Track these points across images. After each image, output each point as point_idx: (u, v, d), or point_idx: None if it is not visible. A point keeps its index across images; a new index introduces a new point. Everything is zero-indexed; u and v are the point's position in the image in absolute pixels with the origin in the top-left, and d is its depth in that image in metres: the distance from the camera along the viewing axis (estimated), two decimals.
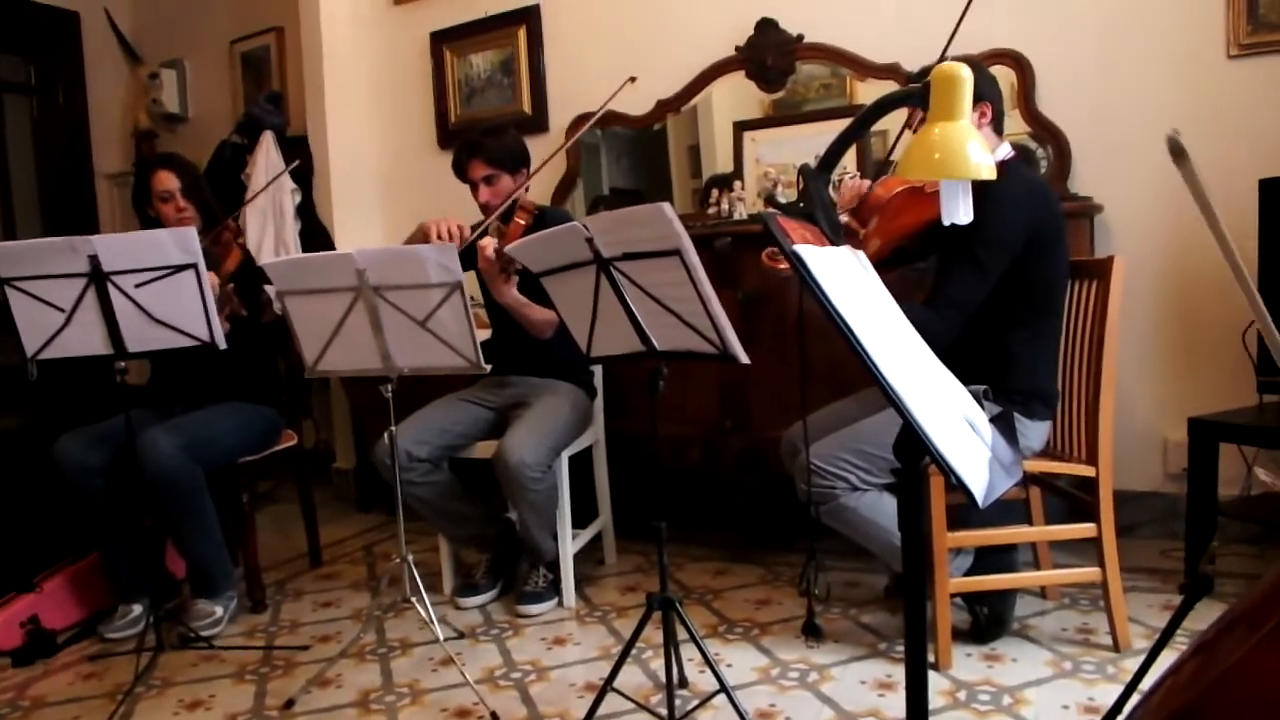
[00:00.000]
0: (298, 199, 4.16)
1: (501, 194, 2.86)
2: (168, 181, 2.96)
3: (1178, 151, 0.96)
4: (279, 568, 3.36)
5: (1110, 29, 2.98)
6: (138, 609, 2.78)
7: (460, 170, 2.92)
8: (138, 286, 2.30)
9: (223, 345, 2.42)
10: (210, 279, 2.66)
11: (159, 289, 2.31)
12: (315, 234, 4.17)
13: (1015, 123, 3.06)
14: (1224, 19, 2.86)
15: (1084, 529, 2.30)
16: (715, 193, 3.46)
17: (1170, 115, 2.93)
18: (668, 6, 3.68)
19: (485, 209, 2.88)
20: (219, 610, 2.77)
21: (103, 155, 5.29)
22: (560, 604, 2.85)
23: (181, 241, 2.28)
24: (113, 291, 2.30)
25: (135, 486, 2.68)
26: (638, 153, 3.86)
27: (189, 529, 2.74)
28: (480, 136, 2.91)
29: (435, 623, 2.38)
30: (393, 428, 2.46)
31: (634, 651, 2.35)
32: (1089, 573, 2.31)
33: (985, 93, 2.29)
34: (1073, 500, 2.41)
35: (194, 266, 2.29)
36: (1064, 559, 2.70)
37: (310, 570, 3.34)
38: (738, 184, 3.43)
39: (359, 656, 2.55)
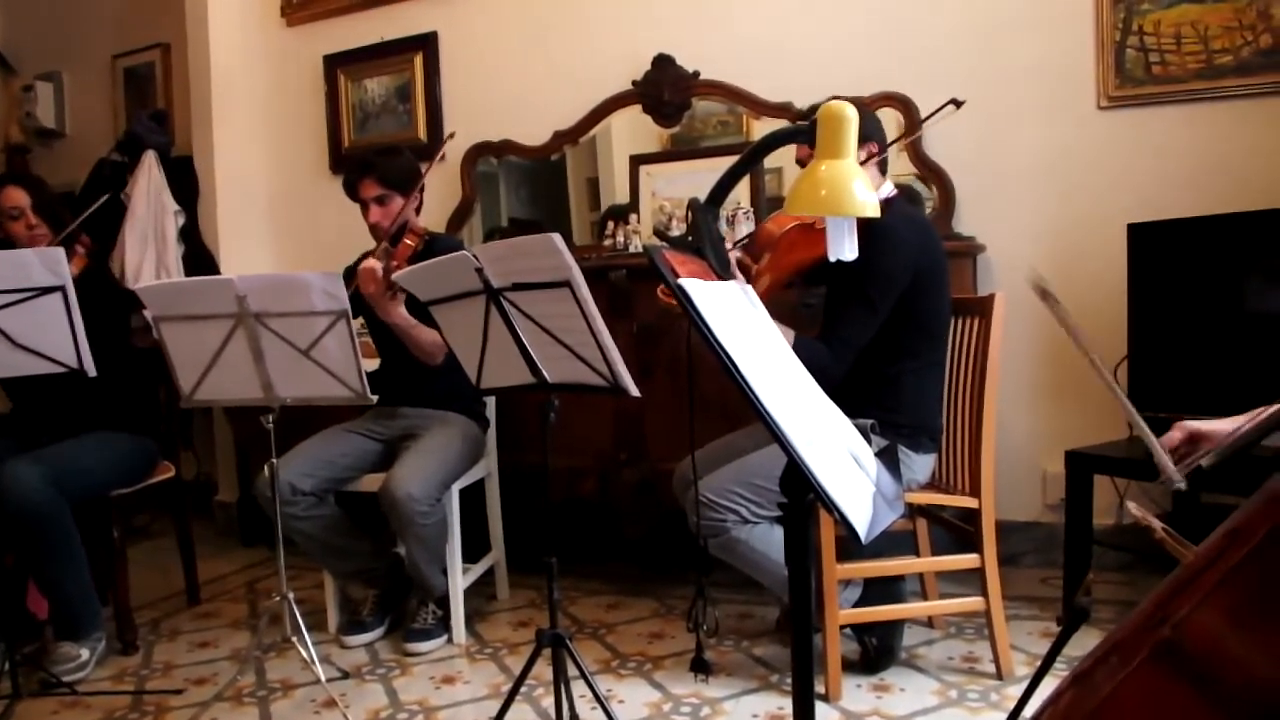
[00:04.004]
0: (181, 221, 4.01)
1: (392, 215, 2.80)
2: (16, 198, 2.82)
3: (1044, 294, 1.08)
4: (153, 606, 3.19)
5: (990, 78, 3.10)
6: None
7: (351, 190, 2.86)
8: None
9: (92, 371, 2.30)
10: None
11: (22, 312, 2.19)
12: (200, 258, 4.02)
13: (903, 163, 3.15)
14: (1094, 73, 3.01)
15: (968, 559, 2.36)
16: (611, 225, 3.46)
17: (1045, 161, 3.08)
18: (566, 38, 3.69)
19: (375, 230, 2.82)
20: (84, 653, 2.61)
21: None
22: (450, 641, 2.78)
23: (49, 262, 2.17)
24: None
25: None
26: (537, 183, 3.85)
27: (53, 566, 2.58)
28: (373, 156, 2.87)
29: (317, 663, 2.29)
30: (273, 460, 2.37)
31: (524, 689, 2.31)
32: (973, 602, 2.36)
33: (870, 133, 2.35)
34: (957, 531, 2.47)
35: (62, 289, 2.18)
36: (949, 589, 2.75)
37: (187, 608, 3.19)
38: (634, 217, 3.44)
39: (236, 700, 2.44)
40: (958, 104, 2.62)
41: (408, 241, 2.71)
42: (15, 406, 2.94)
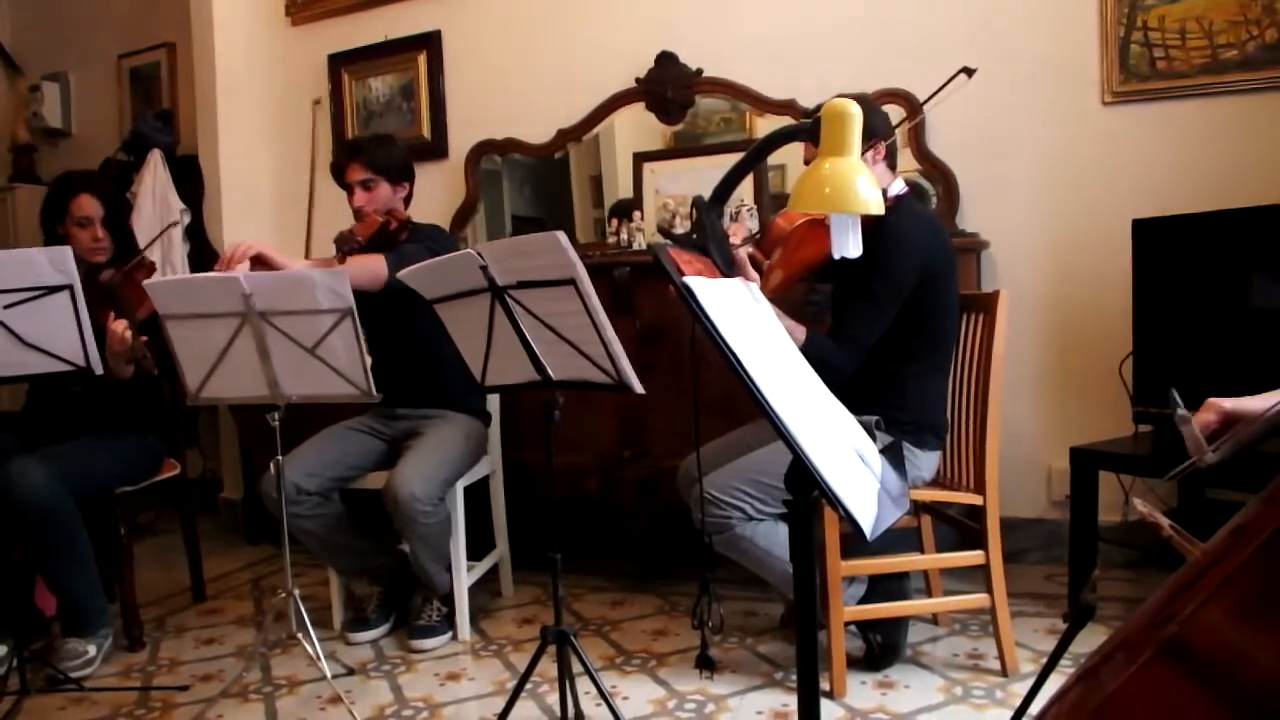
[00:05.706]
0: (187, 220, 4.02)
1: (377, 201, 2.80)
2: (89, 207, 2.80)
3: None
4: (159, 603, 3.20)
5: (994, 74, 3.09)
6: (2, 649, 2.61)
7: (338, 173, 2.86)
8: (7, 308, 2.19)
9: (99, 370, 2.31)
10: (120, 326, 2.51)
11: (30, 310, 2.19)
12: (205, 257, 4.04)
13: (907, 160, 3.14)
14: (1098, 68, 3.00)
15: (973, 556, 2.36)
16: (615, 222, 3.47)
17: (1050, 158, 3.07)
18: (569, 36, 3.69)
19: (358, 214, 2.81)
20: (91, 649, 2.62)
21: None
22: (454, 638, 2.79)
23: (56, 261, 2.18)
24: None
25: (2, 518, 2.52)
26: (540, 181, 3.85)
27: (60, 563, 2.59)
28: (364, 141, 2.87)
29: (322, 659, 2.30)
30: (279, 458, 2.38)
31: (529, 686, 2.31)
32: (978, 599, 2.36)
33: (879, 130, 2.35)
34: (962, 528, 2.47)
35: (69, 288, 2.19)
36: (954, 585, 2.76)
37: (193, 605, 3.20)
38: (637, 214, 3.44)
39: (242, 696, 2.45)
40: (969, 73, 2.59)
41: (376, 217, 2.70)
42: (30, 404, 2.95)
